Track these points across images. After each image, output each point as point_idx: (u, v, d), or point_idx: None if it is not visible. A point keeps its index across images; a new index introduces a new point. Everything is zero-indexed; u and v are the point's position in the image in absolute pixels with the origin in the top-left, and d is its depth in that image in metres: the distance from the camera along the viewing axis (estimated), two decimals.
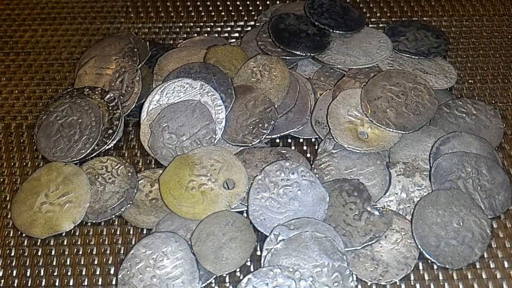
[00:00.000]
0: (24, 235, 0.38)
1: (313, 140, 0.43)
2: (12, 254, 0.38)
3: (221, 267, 0.35)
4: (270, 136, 0.41)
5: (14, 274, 0.37)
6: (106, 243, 0.38)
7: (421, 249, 0.36)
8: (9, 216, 0.39)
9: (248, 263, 0.37)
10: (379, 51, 0.45)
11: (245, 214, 0.38)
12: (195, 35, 0.49)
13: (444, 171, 0.38)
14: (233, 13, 0.51)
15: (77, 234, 0.38)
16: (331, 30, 0.46)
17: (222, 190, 0.38)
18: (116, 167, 0.40)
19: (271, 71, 0.43)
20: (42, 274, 0.37)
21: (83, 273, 0.37)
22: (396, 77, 0.42)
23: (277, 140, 0.42)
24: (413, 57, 0.45)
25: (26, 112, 0.45)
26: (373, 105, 0.41)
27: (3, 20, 0.51)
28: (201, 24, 0.50)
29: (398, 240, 0.36)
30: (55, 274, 0.37)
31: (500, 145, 0.41)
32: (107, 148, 0.41)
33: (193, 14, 0.51)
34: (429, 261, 0.36)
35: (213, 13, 0.51)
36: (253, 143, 0.40)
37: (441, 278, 0.36)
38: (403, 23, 0.48)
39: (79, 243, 0.38)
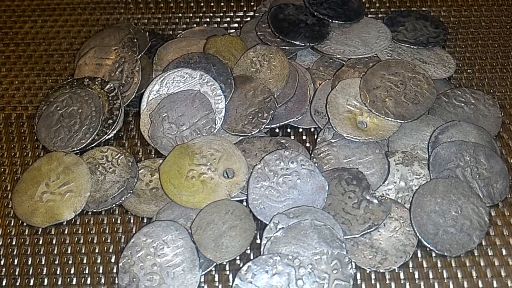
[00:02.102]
0: (25, 224, 0.38)
1: (312, 129, 0.43)
2: (13, 243, 0.38)
3: (221, 255, 0.36)
4: (269, 126, 0.42)
5: (16, 263, 0.37)
6: (107, 232, 0.38)
7: (420, 237, 0.36)
8: (10, 206, 0.39)
9: (248, 251, 0.37)
10: (378, 41, 0.45)
11: (244, 203, 0.38)
12: (195, 25, 0.49)
13: (443, 160, 0.39)
14: (232, 4, 0.51)
15: (77, 223, 0.38)
16: (330, 20, 0.46)
17: (222, 179, 0.38)
18: (117, 156, 0.40)
19: (270, 61, 0.43)
20: (43, 262, 0.37)
21: (84, 261, 0.37)
22: (395, 67, 0.42)
23: (277, 130, 0.43)
24: (412, 47, 0.45)
25: (27, 103, 0.45)
26: (372, 95, 0.41)
27: (3, 11, 0.51)
28: (201, 14, 0.50)
29: (397, 228, 0.37)
30: (56, 262, 0.37)
31: (498, 134, 0.42)
32: (107, 138, 0.42)
33: (192, 4, 0.51)
34: (428, 249, 0.36)
35: (212, 4, 0.51)
36: (253, 133, 0.41)
37: (439, 265, 0.36)
38: (402, 13, 0.48)
39: (80, 232, 0.38)
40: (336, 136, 0.40)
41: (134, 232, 0.38)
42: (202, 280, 0.36)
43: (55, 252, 0.37)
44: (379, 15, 0.50)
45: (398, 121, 0.40)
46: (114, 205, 0.39)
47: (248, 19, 0.49)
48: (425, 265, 0.36)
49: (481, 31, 0.49)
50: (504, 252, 0.37)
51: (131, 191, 0.39)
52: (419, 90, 0.41)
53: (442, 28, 0.47)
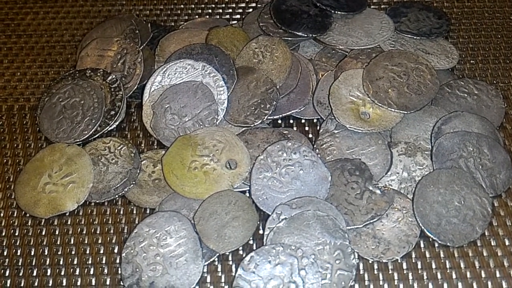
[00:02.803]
0: (28, 215, 0.38)
1: (315, 120, 0.43)
2: (17, 234, 0.38)
3: (224, 246, 0.36)
4: (272, 117, 0.42)
5: (19, 254, 0.37)
6: (110, 222, 0.38)
7: (422, 227, 0.36)
8: (13, 197, 0.39)
9: (251, 242, 0.37)
10: (381, 32, 0.45)
11: (247, 194, 0.38)
12: (197, 16, 0.49)
13: (446, 150, 0.39)
14: None
15: (80, 214, 0.39)
16: (332, 11, 0.46)
17: (224, 170, 0.38)
18: (119, 148, 0.40)
19: (272, 52, 0.43)
20: (46, 253, 0.37)
21: (87, 252, 0.37)
22: (398, 58, 0.42)
23: (279, 121, 0.43)
24: (415, 37, 0.45)
25: (29, 94, 0.45)
26: (375, 85, 0.41)
27: (5, 2, 0.51)
28: (203, 5, 0.50)
29: (400, 218, 0.37)
30: (59, 253, 0.37)
31: (501, 125, 0.41)
32: (109, 129, 0.42)
33: None
34: (430, 239, 0.36)
35: None
36: (255, 124, 0.41)
37: (442, 255, 0.36)
38: (405, 4, 0.48)
39: (82, 222, 0.38)
40: (338, 127, 0.40)
41: (137, 222, 0.38)
42: (205, 270, 0.36)
43: (58, 242, 0.37)
44: (382, 6, 0.50)
45: (401, 111, 0.40)
46: (117, 196, 0.39)
47: (250, 10, 0.49)
48: (427, 256, 0.36)
49: (484, 21, 0.48)
50: (507, 243, 0.37)
51: (134, 182, 0.39)
52: (422, 81, 0.41)
53: (445, 18, 0.47)
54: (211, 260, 0.36)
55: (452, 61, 0.44)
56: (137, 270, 0.35)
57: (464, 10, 0.49)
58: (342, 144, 0.40)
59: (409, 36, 0.45)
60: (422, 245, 0.37)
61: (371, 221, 0.36)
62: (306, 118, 0.43)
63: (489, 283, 0.35)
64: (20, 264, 0.37)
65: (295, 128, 0.42)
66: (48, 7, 0.50)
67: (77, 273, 0.36)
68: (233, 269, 0.36)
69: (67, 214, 0.38)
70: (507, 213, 0.38)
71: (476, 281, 0.35)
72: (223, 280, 0.36)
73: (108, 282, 0.36)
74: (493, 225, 0.37)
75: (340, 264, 0.34)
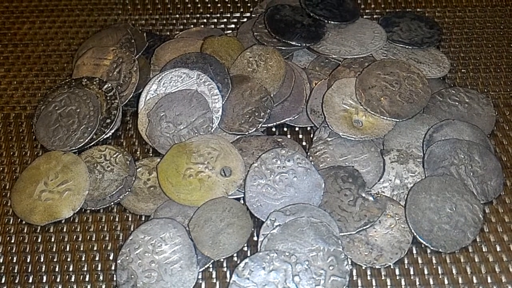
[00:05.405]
0: (24, 222, 0.39)
1: (308, 128, 0.43)
2: (12, 241, 0.38)
3: (219, 252, 0.36)
4: (266, 125, 0.42)
5: (15, 261, 0.37)
6: (105, 229, 0.38)
7: (415, 234, 0.37)
8: (9, 204, 0.39)
9: (245, 248, 0.37)
10: (373, 41, 0.46)
11: (242, 201, 0.39)
12: (192, 26, 0.50)
13: (437, 157, 0.39)
14: (229, 5, 0.51)
15: (76, 221, 0.39)
16: (326, 21, 0.46)
17: (219, 178, 0.39)
18: (115, 155, 0.41)
19: (267, 61, 0.44)
20: (42, 260, 0.37)
21: (83, 259, 0.37)
22: (390, 67, 0.43)
23: (273, 129, 0.43)
24: (407, 47, 0.46)
25: (25, 103, 0.45)
26: (367, 94, 0.42)
27: (1, 12, 0.51)
28: (198, 15, 0.51)
29: (392, 225, 0.37)
30: (55, 260, 0.37)
31: (492, 132, 0.42)
32: (105, 137, 0.42)
33: (189, 5, 0.51)
34: (423, 245, 0.37)
35: (209, 5, 0.51)
36: (250, 132, 0.41)
37: (434, 261, 0.37)
38: (397, 14, 0.49)
39: (78, 230, 0.38)
40: (332, 134, 0.41)
41: (132, 229, 0.38)
42: (200, 276, 0.36)
43: (54, 250, 0.38)
44: (374, 16, 0.50)
45: (393, 119, 0.41)
46: (112, 203, 0.39)
47: (245, 20, 0.50)
48: (420, 261, 0.37)
49: (475, 31, 0.49)
50: (498, 249, 0.37)
51: (129, 190, 0.39)
52: (414, 89, 0.42)
53: (437, 28, 0.47)
54: (206, 266, 0.36)
55: (444, 70, 0.45)
56: (132, 276, 0.35)
57: (456, 20, 0.50)
58: (335, 151, 0.40)
59: (401, 45, 0.46)
60: (414, 251, 0.37)
61: (364, 227, 0.37)
62: (300, 126, 0.43)
63: None
64: (16, 271, 0.37)
65: (289, 136, 0.43)
66: (45, 16, 0.51)
67: (72, 280, 0.36)
68: (228, 275, 0.36)
69: (62, 222, 0.39)
70: (498, 220, 0.38)
71: (468, 287, 0.36)
72: (217, 286, 0.36)
73: None
74: (484, 231, 0.38)
75: (334, 270, 0.35)
